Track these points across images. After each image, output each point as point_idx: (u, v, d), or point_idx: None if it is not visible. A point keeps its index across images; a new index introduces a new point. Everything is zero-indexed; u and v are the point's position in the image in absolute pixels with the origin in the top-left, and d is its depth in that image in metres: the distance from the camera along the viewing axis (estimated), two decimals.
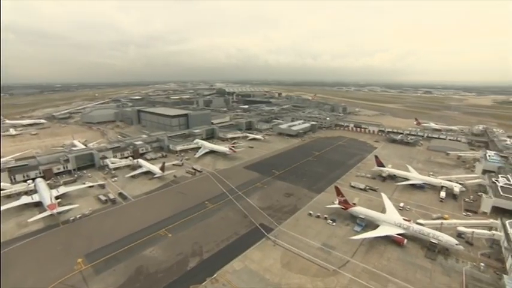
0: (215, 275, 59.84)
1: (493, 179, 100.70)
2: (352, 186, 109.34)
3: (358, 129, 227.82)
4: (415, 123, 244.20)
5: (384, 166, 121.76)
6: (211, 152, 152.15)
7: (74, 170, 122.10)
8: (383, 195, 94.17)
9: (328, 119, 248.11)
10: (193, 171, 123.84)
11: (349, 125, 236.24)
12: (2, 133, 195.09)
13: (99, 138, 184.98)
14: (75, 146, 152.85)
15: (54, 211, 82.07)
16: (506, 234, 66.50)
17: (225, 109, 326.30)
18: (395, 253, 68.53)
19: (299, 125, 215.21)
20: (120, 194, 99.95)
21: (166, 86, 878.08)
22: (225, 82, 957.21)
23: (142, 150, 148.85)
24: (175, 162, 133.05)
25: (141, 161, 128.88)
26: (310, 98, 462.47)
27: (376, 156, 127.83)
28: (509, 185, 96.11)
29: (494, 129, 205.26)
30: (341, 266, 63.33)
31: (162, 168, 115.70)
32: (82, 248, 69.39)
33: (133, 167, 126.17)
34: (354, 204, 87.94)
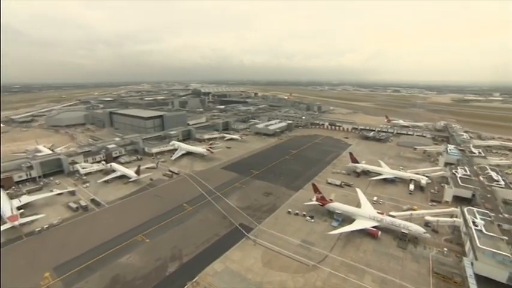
0: (196, 278, 59.10)
1: (453, 171, 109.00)
2: (329, 183, 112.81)
3: (333, 127, 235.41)
4: (385, 120, 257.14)
5: (358, 162, 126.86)
6: (188, 153, 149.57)
7: (40, 177, 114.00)
8: (358, 190, 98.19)
9: (304, 117, 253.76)
10: (170, 173, 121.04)
11: (324, 123, 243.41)
12: None
13: (67, 143, 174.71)
14: (39, 151, 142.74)
15: (16, 223, 75.75)
16: (465, 220, 72.38)
17: (201, 110, 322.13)
18: (370, 245, 71.84)
19: (276, 124, 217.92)
20: (93, 201, 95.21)
21: (140, 86, 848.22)
22: (200, 82, 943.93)
23: (116, 153, 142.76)
24: (149, 165, 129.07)
25: (114, 165, 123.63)
26: (286, 97, 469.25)
27: (350, 153, 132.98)
28: (466, 175, 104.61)
29: (454, 125, 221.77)
30: (320, 260, 65.23)
31: (138, 172, 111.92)
32: (50, 260, 64.93)
33: (107, 172, 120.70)
34: (331, 200, 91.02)
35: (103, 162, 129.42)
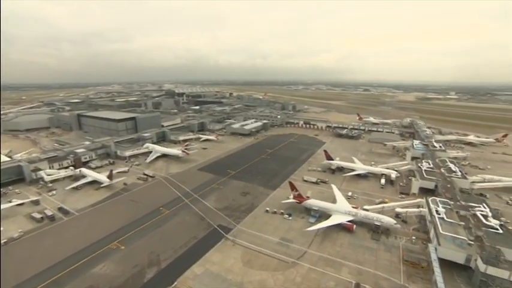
0: (175, 283, 57.94)
1: (419, 164, 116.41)
2: (305, 180, 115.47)
3: (308, 125, 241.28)
4: (357, 118, 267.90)
5: (332, 159, 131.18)
6: (163, 155, 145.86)
7: None
8: (333, 186, 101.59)
9: (279, 117, 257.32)
10: (145, 177, 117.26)
11: (299, 122, 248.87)
12: None
13: (29, 148, 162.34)
14: None
15: None
16: (429, 209, 77.72)
17: (175, 111, 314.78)
18: (346, 239, 74.70)
19: (251, 124, 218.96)
20: (61, 209, 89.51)
21: (110, 87, 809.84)
22: (174, 83, 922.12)
23: (86, 158, 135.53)
24: (122, 169, 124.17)
25: (84, 170, 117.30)
26: (261, 97, 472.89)
27: (325, 151, 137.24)
28: (430, 168, 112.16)
29: (418, 122, 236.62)
30: (299, 257, 66.74)
31: (110, 176, 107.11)
32: (8, 279, 59.28)
33: (76, 178, 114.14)
34: (308, 197, 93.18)
35: (71, 167, 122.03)
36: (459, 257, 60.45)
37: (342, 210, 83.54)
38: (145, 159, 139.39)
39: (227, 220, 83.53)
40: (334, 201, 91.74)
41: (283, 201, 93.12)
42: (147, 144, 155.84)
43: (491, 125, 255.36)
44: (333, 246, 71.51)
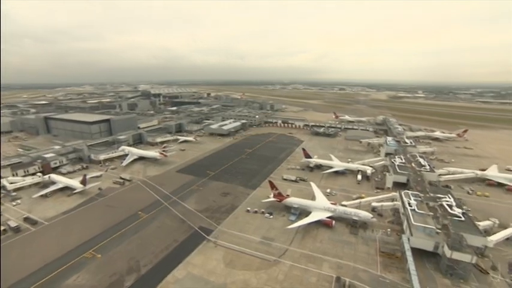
0: None
1: (392, 160, 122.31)
2: (285, 179, 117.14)
3: (286, 125, 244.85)
4: (333, 116, 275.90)
5: (310, 157, 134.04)
6: (140, 158, 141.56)
7: None
8: (312, 184, 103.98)
9: (257, 116, 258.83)
10: (122, 180, 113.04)
11: (277, 121, 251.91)
12: None
13: None
14: None
15: None
16: (402, 202, 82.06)
17: (152, 112, 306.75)
18: (326, 235, 76.81)
19: (230, 124, 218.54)
20: (27, 219, 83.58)
21: (81, 88, 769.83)
22: (150, 84, 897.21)
23: (56, 163, 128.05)
24: (95, 174, 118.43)
25: (54, 176, 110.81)
26: (239, 97, 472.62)
27: (303, 149, 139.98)
28: (403, 163, 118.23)
29: (390, 119, 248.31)
30: (281, 255, 67.68)
31: (84, 182, 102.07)
32: None
33: (45, 185, 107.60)
34: (288, 195, 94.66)
35: (39, 174, 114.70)
36: (428, 245, 64.70)
37: (321, 207, 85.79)
38: (122, 163, 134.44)
39: (208, 221, 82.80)
40: (313, 198, 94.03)
41: (263, 201, 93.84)
42: (122, 147, 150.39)
43: (453, 121, 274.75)
44: (314, 242, 73.27)
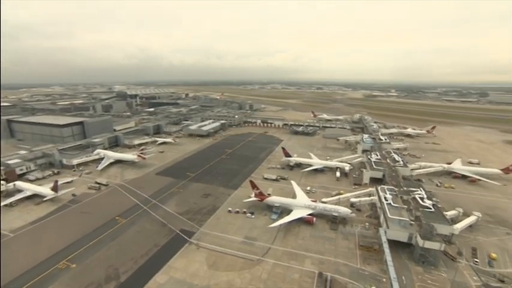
0: None
1: (368, 157, 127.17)
2: (265, 178, 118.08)
3: (265, 124, 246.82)
4: (312, 115, 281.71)
5: (290, 156, 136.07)
6: (117, 161, 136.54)
7: None
8: (292, 182, 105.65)
9: (236, 116, 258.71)
10: (97, 185, 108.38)
11: (256, 121, 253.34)
12: None
13: None
14: None
15: None
16: (379, 197, 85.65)
17: (128, 114, 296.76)
18: (307, 231, 78.41)
19: (209, 125, 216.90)
20: None
21: (49, 89, 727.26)
22: (125, 84, 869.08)
23: (22, 170, 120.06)
24: (67, 179, 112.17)
25: (20, 183, 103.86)
26: (218, 97, 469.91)
27: (283, 148, 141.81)
28: (378, 159, 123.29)
29: (366, 117, 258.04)
30: (264, 254, 68.23)
31: (55, 188, 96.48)
32: None
33: (9, 193, 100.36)
34: (269, 194, 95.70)
35: (2, 182, 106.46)
36: (403, 236, 68.13)
37: (302, 204, 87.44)
38: (97, 167, 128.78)
39: (189, 224, 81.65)
40: (294, 196, 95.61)
41: (245, 200, 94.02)
42: (98, 150, 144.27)
43: (423, 118, 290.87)
44: (296, 239, 74.55)
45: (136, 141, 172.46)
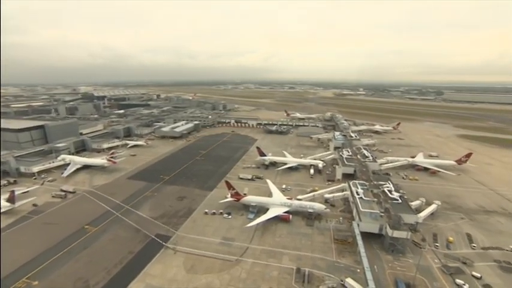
0: None
1: (340, 153, 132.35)
2: (241, 178, 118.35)
3: (239, 124, 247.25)
4: (285, 114, 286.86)
5: (265, 155, 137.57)
6: (85, 167, 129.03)
7: None
8: (268, 181, 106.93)
9: (210, 117, 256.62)
10: (63, 193, 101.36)
11: (230, 121, 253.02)
12: None
13: None
14: None
15: None
16: (351, 192, 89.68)
17: (96, 116, 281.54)
18: (284, 229, 79.88)
19: (182, 126, 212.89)
20: None
21: (3, 90, 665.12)
22: (92, 85, 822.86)
23: None
24: (24, 189, 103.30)
25: None
26: (190, 97, 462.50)
27: (258, 147, 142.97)
28: (350, 156, 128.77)
29: (337, 115, 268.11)
30: (242, 254, 68.44)
31: (11, 199, 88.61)
32: None
33: None
34: (245, 194, 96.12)
35: None
36: (374, 228, 72.12)
37: (278, 202, 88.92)
38: (62, 173, 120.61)
39: (165, 228, 79.57)
40: (270, 195, 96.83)
41: (221, 201, 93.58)
42: (62, 156, 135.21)
43: (388, 115, 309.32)
44: (273, 237, 75.65)
45: (106, 145, 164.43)
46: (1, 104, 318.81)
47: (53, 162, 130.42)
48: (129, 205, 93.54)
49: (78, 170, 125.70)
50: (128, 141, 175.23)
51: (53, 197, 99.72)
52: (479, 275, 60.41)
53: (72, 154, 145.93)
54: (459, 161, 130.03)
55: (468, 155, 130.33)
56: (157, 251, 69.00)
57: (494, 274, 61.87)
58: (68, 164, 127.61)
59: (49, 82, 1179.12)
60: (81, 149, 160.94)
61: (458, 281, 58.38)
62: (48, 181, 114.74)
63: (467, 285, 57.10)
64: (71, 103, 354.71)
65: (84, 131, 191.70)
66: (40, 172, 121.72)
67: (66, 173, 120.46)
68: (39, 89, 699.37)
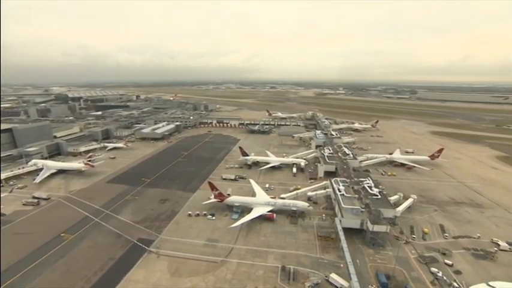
0: None
1: (322, 151, 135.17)
2: (224, 179, 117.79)
3: (221, 124, 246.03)
4: (267, 114, 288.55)
5: (248, 155, 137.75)
6: (61, 172, 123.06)
7: None
8: (251, 181, 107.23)
9: (192, 118, 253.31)
10: (36, 200, 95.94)
11: (212, 121, 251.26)
12: None
13: None
14: None
15: None
16: (333, 189, 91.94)
17: (71, 118, 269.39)
18: (269, 228, 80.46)
19: (163, 127, 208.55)
20: None
21: None
22: (66, 86, 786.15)
23: None
24: None
25: None
26: (171, 98, 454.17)
27: (240, 147, 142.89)
28: (331, 154, 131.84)
29: (318, 114, 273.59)
30: (227, 254, 68.18)
31: None
32: None
33: None
34: (228, 195, 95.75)
35: None
36: (356, 223, 74.36)
37: (261, 202, 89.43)
38: (34, 179, 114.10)
39: (147, 232, 77.63)
40: (253, 195, 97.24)
41: (204, 203, 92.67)
42: (34, 161, 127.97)
43: (367, 113, 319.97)
44: (258, 237, 75.99)
45: (83, 148, 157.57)
46: None
47: (23, 167, 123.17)
48: (109, 210, 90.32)
49: (52, 175, 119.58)
50: (106, 144, 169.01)
51: (23, 204, 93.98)
52: (450, 263, 64.30)
53: (46, 158, 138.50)
54: (432, 157, 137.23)
55: (440, 151, 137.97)
56: (140, 256, 67.20)
57: (464, 261, 66.02)
58: (41, 169, 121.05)
59: (17, 82, 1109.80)
60: (55, 153, 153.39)
61: (432, 269, 61.72)
62: (17, 188, 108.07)
63: (440, 272, 60.49)
64: (43, 105, 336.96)
65: (58, 134, 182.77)
66: (8, 179, 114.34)
67: (38, 178, 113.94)
68: (6, 90, 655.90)
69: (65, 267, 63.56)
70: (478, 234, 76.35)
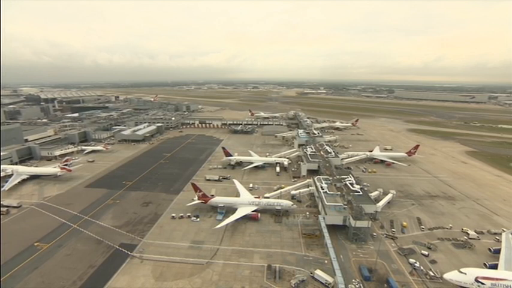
0: None
1: (304, 150, 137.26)
2: (208, 180, 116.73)
3: (204, 125, 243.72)
4: (249, 114, 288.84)
5: (231, 155, 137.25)
6: (33, 177, 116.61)
7: None
8: (235, 181, 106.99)
9: (173, 118, 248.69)
10: (5, 209, 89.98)
11: (195, 122, 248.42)
12: None
13: None
14: None
15: None
16: (316, 187, 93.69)
17: (44, 121, 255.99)
18: (254, 227, 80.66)
19: (144, 129, 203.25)
20: None
21: None
22: (38, 86, 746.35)
23: None
24: None
25: None
26: (152, 99, 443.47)
27: (223, 148, 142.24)
28: (313, 152, 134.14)
29: (300, 113, 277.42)
30: (213, 256, 67.62)
31: None
32: None
33: None
34: (212, 196, 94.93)
35: None
36: (339, 220, 76.22)
37: (246, 202, 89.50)
38: (3, 187, 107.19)
39: (130, 236, 75.48)
40: (238, 195, 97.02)
41: (188, 204, 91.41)
42: (2, 167, 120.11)
43: (348, 112, 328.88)
44: (243, 237, 75.97)
45: (58, 152, 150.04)
46: None
47: None
48: (88, 215, 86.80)
49: (24, 181, 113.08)
50: (84, 147, 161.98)
51: None
52: (426, 253, 67.60)
53: (16, 164, 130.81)
54: (409, 153, 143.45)
55: (416, 147, 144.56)
56: (122, 262, 65.09)
57: (438, 250, 69.64)
58: (11, 175, 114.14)
59: None
60: (27, 157, 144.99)
61: (411, 260, 64.61)
62: None
63: (418, 262, 63.55)
64: (12, 106, 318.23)
65: (30, 138, 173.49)
66: None
67: (7, 185, 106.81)
68: None
69: (39, 279, 60.26)
70: (450, 225, 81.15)
